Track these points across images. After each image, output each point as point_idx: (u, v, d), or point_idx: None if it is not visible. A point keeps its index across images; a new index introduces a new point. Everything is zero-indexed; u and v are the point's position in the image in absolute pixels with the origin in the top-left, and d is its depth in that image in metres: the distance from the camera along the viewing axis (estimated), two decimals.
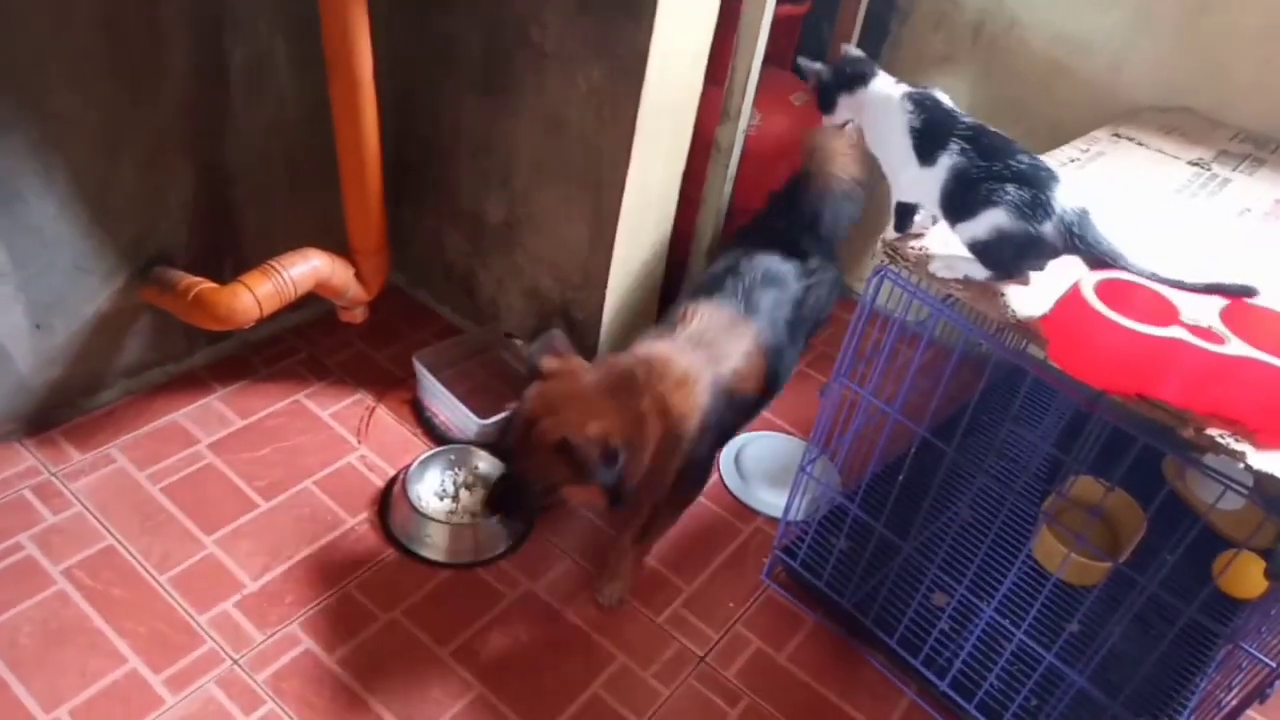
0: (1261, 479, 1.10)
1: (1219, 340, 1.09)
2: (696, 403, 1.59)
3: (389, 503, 1.80)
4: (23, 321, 1.70)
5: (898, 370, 1.52)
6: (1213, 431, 1.11)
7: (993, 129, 1.29)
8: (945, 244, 1.36)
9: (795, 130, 2.23)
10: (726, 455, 2.08)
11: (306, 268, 1.78)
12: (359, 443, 1.94)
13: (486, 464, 1.88)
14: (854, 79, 1.38)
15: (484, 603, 1.68)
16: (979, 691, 1.54)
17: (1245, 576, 1.75)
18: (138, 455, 1.82)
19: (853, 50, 1.43)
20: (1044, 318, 1.24)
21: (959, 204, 1.27)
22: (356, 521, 1.77)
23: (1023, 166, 1.23)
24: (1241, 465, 1.10)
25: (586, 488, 1.51)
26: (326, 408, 2.01)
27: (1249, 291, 1.15)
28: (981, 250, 1.28)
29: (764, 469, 2.07)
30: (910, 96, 1.34)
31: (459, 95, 2.00)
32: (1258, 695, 1.32)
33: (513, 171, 1.99)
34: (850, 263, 2.67)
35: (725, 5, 1.79)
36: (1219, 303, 1.15)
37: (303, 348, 2.15)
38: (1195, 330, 1.09)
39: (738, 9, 1.88)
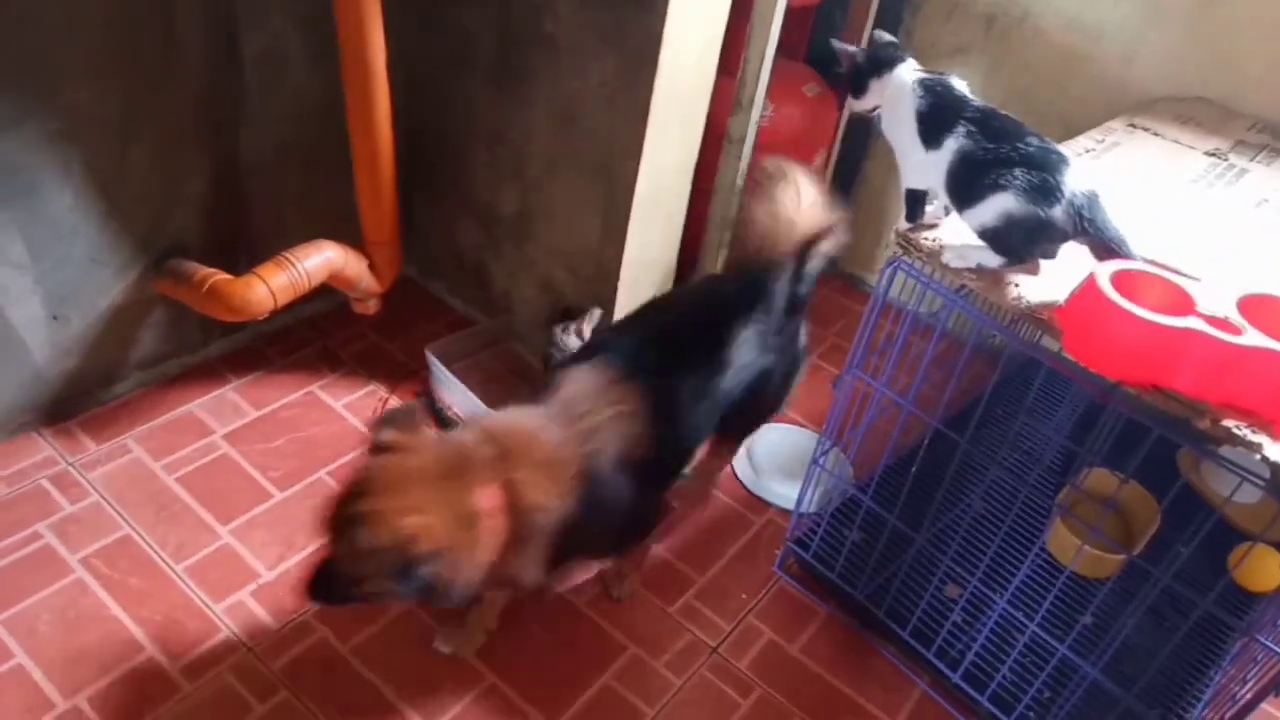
0: (1278, 471, 1.09)
1: (1236, 331, 1.08)
2: (559, 490, 1.29)
3: None
4: (39, 313, 1.71)
5: (911, 362, 1.52)
6: (1229, 422, 1.10)
7: (1002, 112, 1.28)
8: (958, 234, 1.36)
9: (808, 121, 2.23)
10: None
11: (320, 259, 1.78)
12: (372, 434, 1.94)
13: None
14: (884, 63, 1.38)
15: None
16: (992, 683, 1.54)
17: (1261, 569, 1.75)
18: (153, 445, 1.84)
19: (885, 35, 1.42)
20: (1059, 309, 1.23)
21: (966, 188, 1.27)
22: None
23: (1031, 150, 1.22)
24: (1258, 457, 1.09)
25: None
26: (340, 398, 2.02)
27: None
28: (992, 236, 1.27)
29: (776, 461, 2.07)
30: (922, 82, 1.33)
31: (472, 87, 2.00)
32: (1273, 688, 1.32)
33: (525, 163, 1.99)
34: (860, 253, 2.67)
35: None
36: (1236, 293, 1.14)
37: (316, 339, 2.16)
38: (1212, 321, 1.09)
39: None
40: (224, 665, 1.49)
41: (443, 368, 1.98)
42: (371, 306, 2.02)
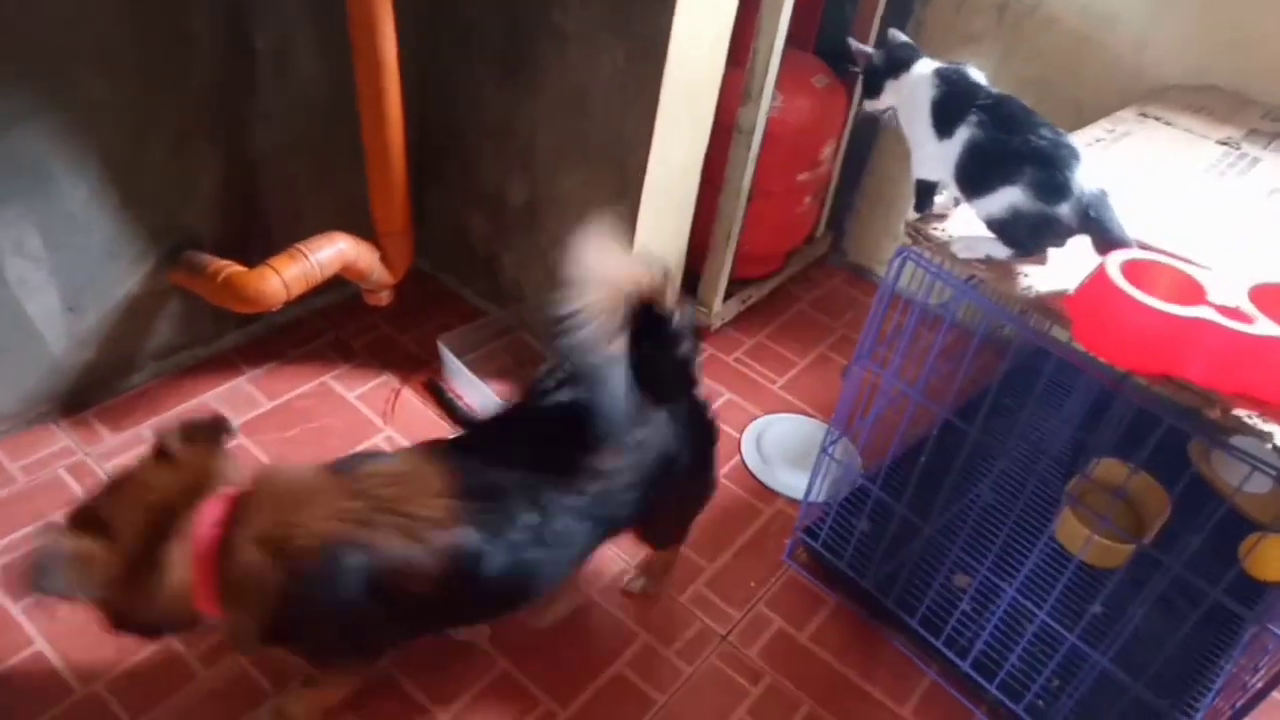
0: None
1: (1247, 320, 1.08)
2: (280, 560, 1.13)
3: None
4: (56, 304, 1.73)
5: (919, 352, 1.52)
6: (1240, 412, 1.10)
7: (1017, 101, 1.28)
8: (967, 225, 1.36)
9: (817, 112, 2.23)
10: (748, 437, 2.09)
11: (333, 251, 1.80)
12: (385, 424, 1.96)
13: None
14: (900, 64, 1.37)
15: None
16: (1000, 672, 1.54)
17: (1272, 559, 1.74)
18: None
19: (900, 35, 1.41)
20: (1068, 298, 1.23)
21: (975, 178, 1.27)
22: None
23: (1043, 143, 1.22)
24: (1269, 446, 1.09)
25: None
26: (353, 389, 2.03)
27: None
28: (999, 228, 1.27)
29: (785, 451, 2.07)
30: (938, 71, 1.33)
31: (481, 78, 2.00)
32: None
33: (535, 154, 2.00)
34: (868, 244, 2.66)
35: None
36: (1247, 282, 1.14)
37: (329, 330, 2.18)
38: (1223, 310, 1.09)
39: None
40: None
41: (454, 358, 1.99)
42: (383, 298, 2.04)
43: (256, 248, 1.96)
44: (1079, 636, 1.44)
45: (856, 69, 1.44)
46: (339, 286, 2.03)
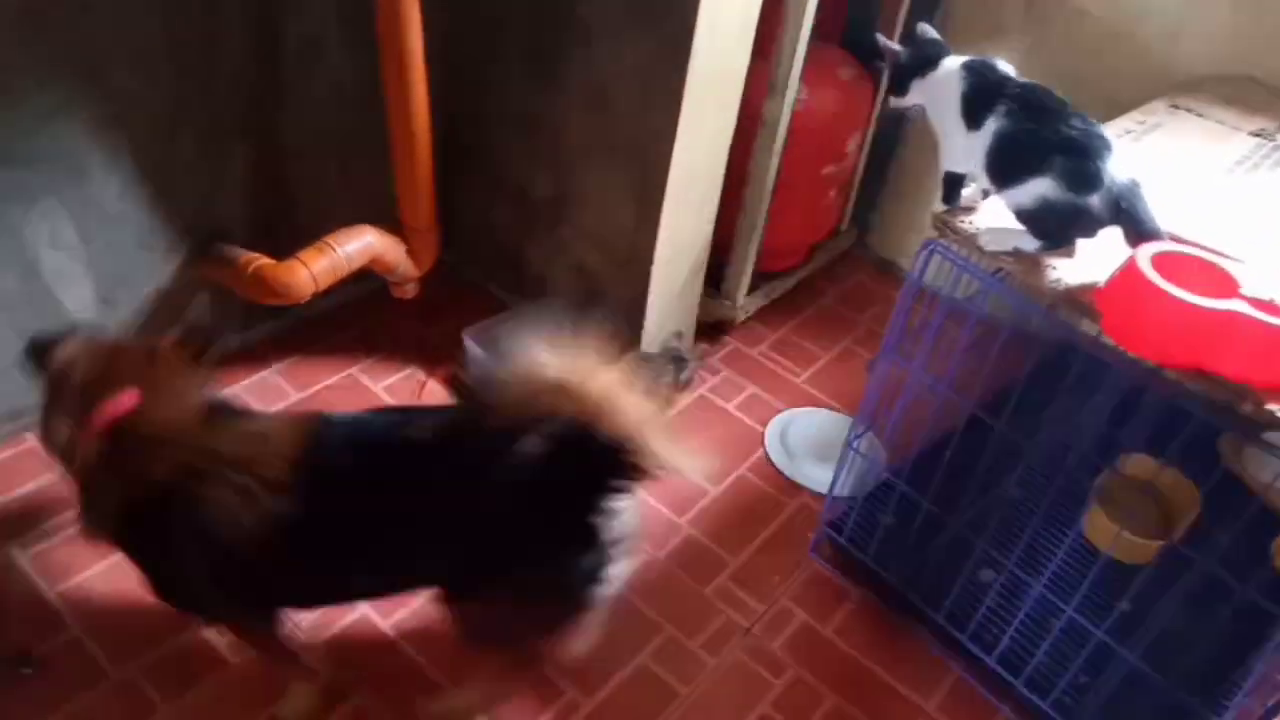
0: None
1: None
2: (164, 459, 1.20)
3: None
4: (91, 296, 1.76)
5: (946, 346, 1.51)
6: (1273, 406, 1.09)
7: (1048, 92, 1.27)
8: (995, 217, 1.35)
9: (842, 105, 2.21)
10: (772, 431, 2.09)
11: (360, 244, 1.81)
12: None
13: None
14: (928, 62, 1.36)
15: None
16: (1027, 668, 1.54)
17: None
18: None
19: (930, 32, 1.40)
20: (1098, 290, 1.22)
21: (1005, 169, 1.26)
22: None
23: (1074, 133, 1.21)
24: None
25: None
26: (380, 381, 2.05)
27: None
28: (1028, 219, 1.26)
29: (810, 444, 2.07)
30: (966, 64, 1.33)
31: (507, 72, 2.01)
32: None
33: (560, 148, 2.00)
34: (894, 238, 2.65)
35: None
36: None
37: (356, 323, 2.20)
38: (1256, 303, 1.07)
39: None
40: None
41: (480, 352, 2.00)
42: (410, 291, 2.05)
43: (285, 241, 1.98)
44: (1107, 633, 1.42)
45: (883, 65, 1.44)
46: (366, 279, 2.05)
